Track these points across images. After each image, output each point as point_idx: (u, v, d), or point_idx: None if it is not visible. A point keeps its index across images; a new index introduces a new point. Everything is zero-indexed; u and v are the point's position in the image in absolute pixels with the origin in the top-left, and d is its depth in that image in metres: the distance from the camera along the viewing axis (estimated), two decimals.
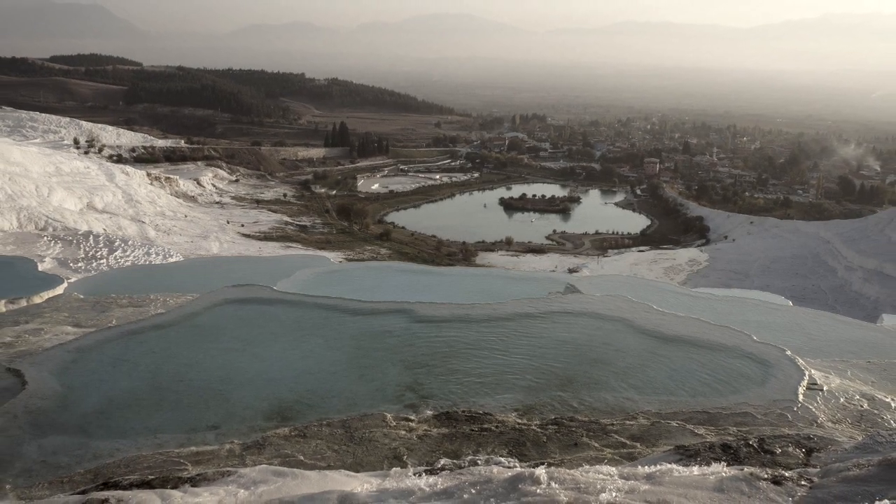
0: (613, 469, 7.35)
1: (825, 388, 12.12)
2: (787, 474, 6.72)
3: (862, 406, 11.66)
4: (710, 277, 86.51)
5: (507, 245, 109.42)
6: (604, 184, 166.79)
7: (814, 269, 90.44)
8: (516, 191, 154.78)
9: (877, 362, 14.71)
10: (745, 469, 6.97)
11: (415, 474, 7.59)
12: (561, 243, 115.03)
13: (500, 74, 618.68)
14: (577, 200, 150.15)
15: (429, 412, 11.17)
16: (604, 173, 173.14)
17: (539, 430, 10.42)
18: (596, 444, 9.97)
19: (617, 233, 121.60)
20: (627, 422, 10.79)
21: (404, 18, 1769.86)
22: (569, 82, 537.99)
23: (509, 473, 6.96)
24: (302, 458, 9.60)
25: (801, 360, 13.10)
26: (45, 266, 39.06)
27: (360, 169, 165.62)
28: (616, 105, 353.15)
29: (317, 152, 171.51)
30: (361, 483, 7.52)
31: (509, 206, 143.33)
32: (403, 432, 10.40)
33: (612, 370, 13.17)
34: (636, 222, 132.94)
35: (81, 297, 20.87)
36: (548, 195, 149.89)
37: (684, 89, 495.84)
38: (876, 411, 11.50)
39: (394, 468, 8.23)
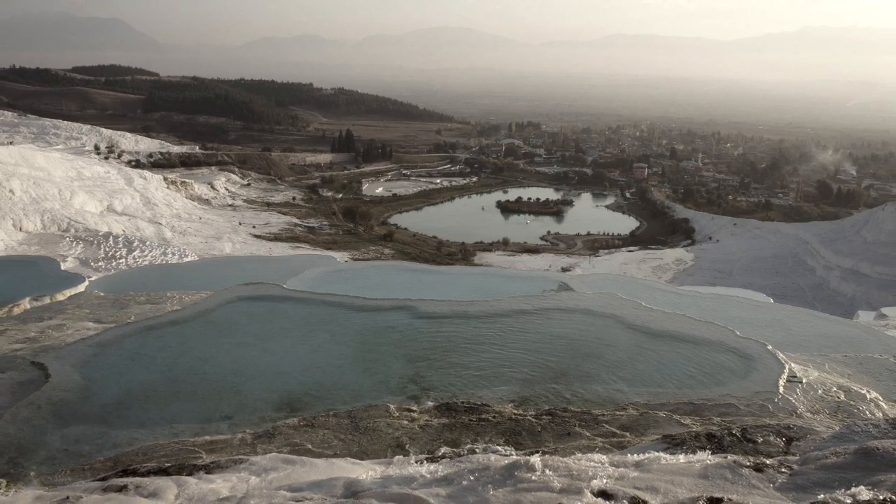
0: (604, 457, 7.35)
1: (804, 381, 12.13)
2: (768, 462, 6.72)
3: (839, 397, 11.67)
4: (695, 276, 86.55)
5: (503, 245, 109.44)
6: (595, 187, 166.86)
7: (793, 268, 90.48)
8: (512, 194, 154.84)
9: (853, 356, 14.71)
10: (729, 457, 6.97)
11: (416, 462, 7.59)
12: (555, 244, 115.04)
13: (497, 84, 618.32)
14: (569, 203, 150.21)
15: (430, 403, 11.18)
16: (595, 178, 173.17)
17: (534, 420, 10.42)
18: (588, 434, 9.97)
19: (607, 234, 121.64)
20: (618, 412, 10.79)
21: (407, 31, 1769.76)
22: (562, 92, 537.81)
23: (506, 461, 6.96)
24: (310, 446, 9.60)
25: (781, 354, 13.10)
26: (67, 265, 39.08)
27: (364, 173, 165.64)
28: (607, 113, 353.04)
29: (324, 158, 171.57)
30: (366, 470, 7.52)
31: (506, 208, 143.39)
32: (406, 422, 10.40)
33: (603, 363, 13.17)
34: (626, 224, 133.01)
35: (102, 294, 20.87)
36: (542, 198, 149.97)
37: (671, 98, 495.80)
38: (852, 402, 11.50)
39: (397, 456, 8.22)
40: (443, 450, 8.18)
